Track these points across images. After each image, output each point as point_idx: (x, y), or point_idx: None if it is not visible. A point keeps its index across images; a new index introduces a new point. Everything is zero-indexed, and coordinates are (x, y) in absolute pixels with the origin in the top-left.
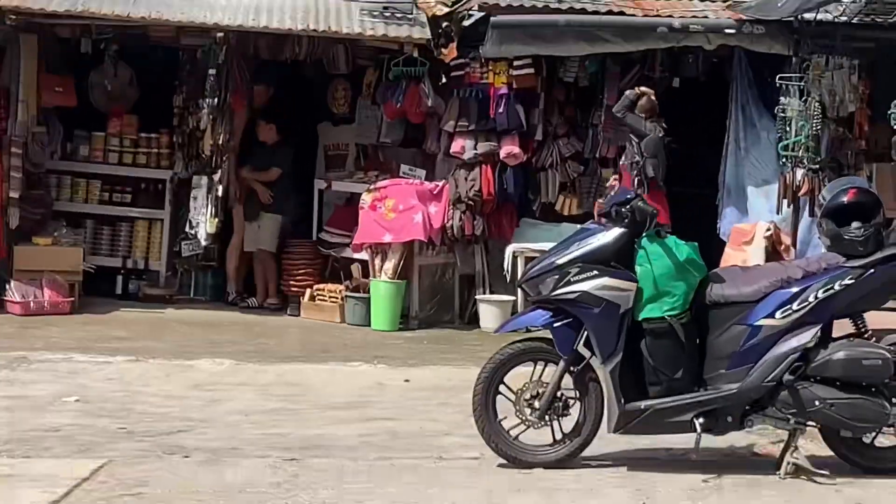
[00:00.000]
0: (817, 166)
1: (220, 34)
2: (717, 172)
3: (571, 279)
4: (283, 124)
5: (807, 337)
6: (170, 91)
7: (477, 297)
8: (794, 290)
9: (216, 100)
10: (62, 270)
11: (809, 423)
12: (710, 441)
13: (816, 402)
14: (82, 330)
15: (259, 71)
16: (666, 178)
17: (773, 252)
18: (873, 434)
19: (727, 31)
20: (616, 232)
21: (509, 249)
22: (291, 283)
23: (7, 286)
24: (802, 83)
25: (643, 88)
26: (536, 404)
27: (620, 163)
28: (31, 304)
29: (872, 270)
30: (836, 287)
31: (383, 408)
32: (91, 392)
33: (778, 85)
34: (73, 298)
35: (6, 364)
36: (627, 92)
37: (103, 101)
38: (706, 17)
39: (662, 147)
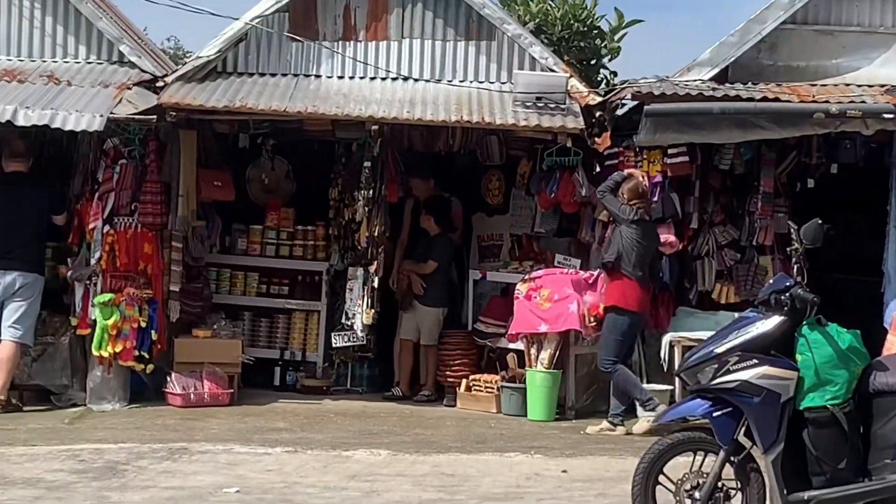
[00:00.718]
0: None
1: (374, 127)
2: (879, 259)
3: (731, 368)
4: (442, 216)
5: None
6: (325, 184)
7: None
8: None
9: (371, 191)
10: (221, 362)
11: None
12: None
13: None
14: (241, 421)
15: (416, 163)
16: (827, 265)
17: None
18: None
19: (885, 115)
20: (776, 320)
21: (666, 338)
22: (447, 373)
23: (168, 378)
24: None
25: (631, 171)
26: (697, 495)
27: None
28: (192, 395)
29: None
30: None
31: (540, 499)
32: (251, 483)
33: None
34: (232, 390)
35: (168, 455)
36: (615, 174)
37: (261, 194)
38: (864, 101)
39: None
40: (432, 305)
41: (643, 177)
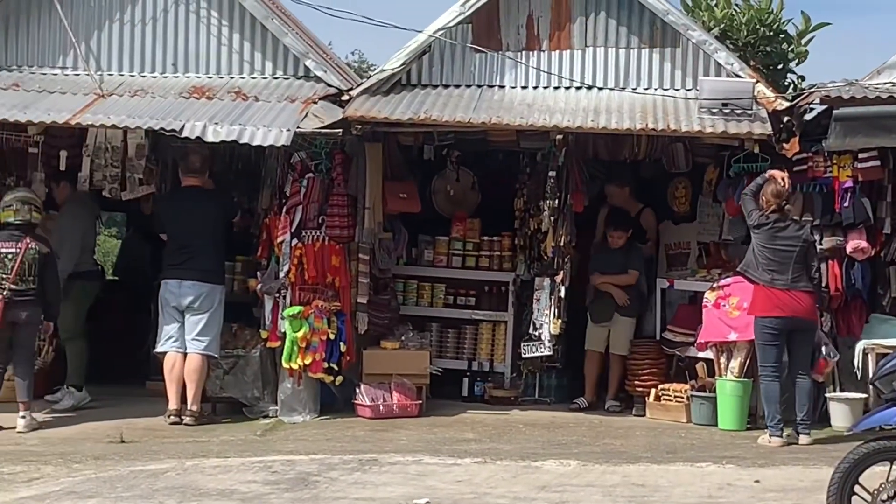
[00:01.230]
0: None
1: (559, 136)
2: None
3: None
4: (626, 226)
5: None
6: (510, 194)
7: (827, 395)
8: None
9: (556, 201)
10: (410, 374)
11: None
12: None
13: None
14: (430, 432)
15: (613, 170)
16: None
17: None
18: None
19: None
20: None
21: (859, 346)
22: (636, 382)
23: (357, 390)
24: None
25: (773, 173)
26: None
27: None
28: (381, 407)
29: None
30: None
31: None
32: (440, 494)
33: None
34: (420, 401)
35: (358, 466)
36: (758, 177)
37: (446, 205)
38: None
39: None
40: (629, 315)
41: (783, 179)
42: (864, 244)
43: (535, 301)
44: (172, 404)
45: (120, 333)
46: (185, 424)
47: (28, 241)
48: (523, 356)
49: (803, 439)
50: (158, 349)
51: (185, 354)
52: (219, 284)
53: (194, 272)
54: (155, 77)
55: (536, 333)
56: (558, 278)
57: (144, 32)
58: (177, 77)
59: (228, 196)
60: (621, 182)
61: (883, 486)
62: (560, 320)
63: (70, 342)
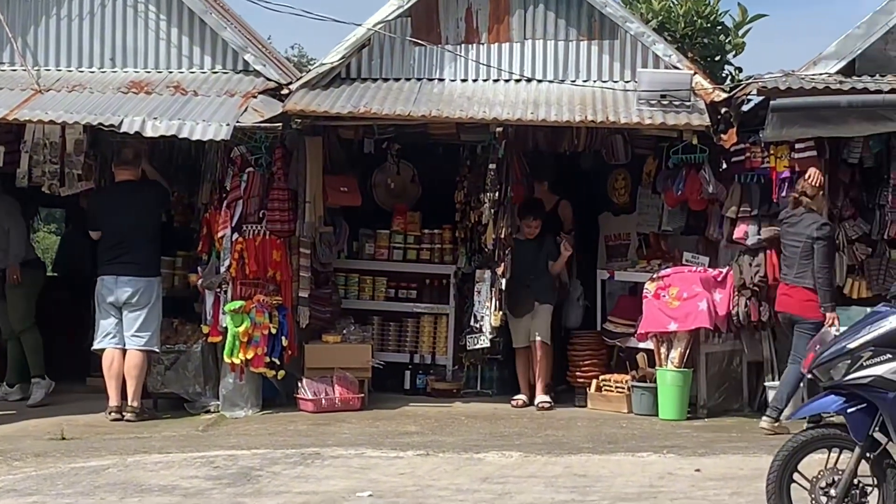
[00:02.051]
0: None
1: (499, 129)
2: None
3: (864, 363)
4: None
5: None
6: (451, 187)
7: (766, 383)
8: None
9: (497, 193)
10: (352, 367)
11: None
12: None
13: None
14: (372, 425)
15: (535, 165)
16: None
17: None
18: None
19: None
20: None
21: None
22: (577, 373)
23: (299, 384)
24: None
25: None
26: (833, 492)
27: None
28: (323, 400)
29: None
30: None
31: (674, 498)
32: (383, 487)
33: None
34: (362, 394)
35: (300, 460)
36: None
37: (387, 199)
38: None
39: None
40: (548, 302)
41: (810, 175)
42: None
43: (476, 293)
44: (113, 401)
45: (60, 330)
46: (127, 420)
47: None
48: (467, 348)
49: (763, 422)
50: (96, 346)
51: (123, 351)
52: (155, 277)
53: (130, 266)
54: (93, 72)
55: (478, 325)
56: (499, 270)
57: (82, 27)
58: (115, 72)
59: (160, 186)
60: (540, 178)
61: (822, 473)
62: (500, 312)
63: (25, 334)
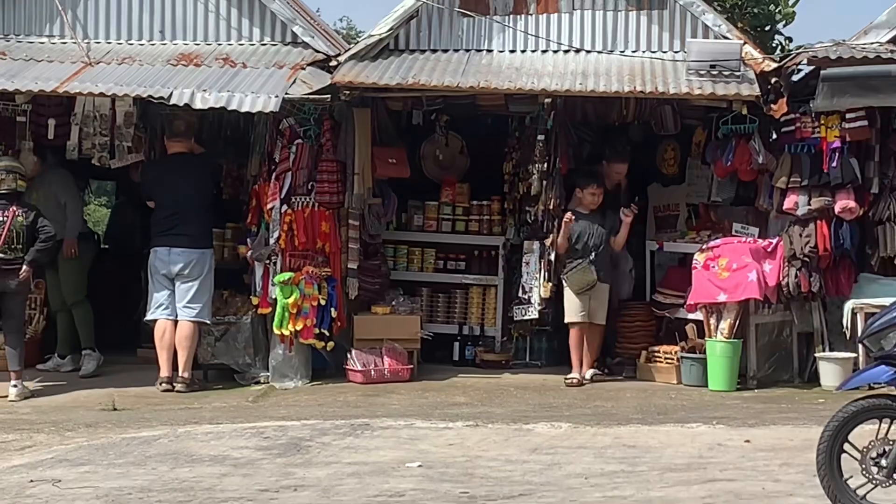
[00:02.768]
0: None
1: (547, 100)
2: None
3: None
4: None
5: None
6: (500, 158)
7: (816, 354)
8: None
9: (546, 165)
10: (401, 338)
11: None
12: None
13: None
14: (421, 396)
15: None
16: None
17: None
18: None
19: None
20: None
21: (848, 305)
22: (627, 344)
23: (349, 355)
24: None
25: None
26: (883, 462)
27: None
28: (372, 372)
29: None
30: None
31: (723, 469)
32: (432, 457)
33: None
34: (411, 366)
35: (350, 431)
36: None
37: (435, 170)
38: None
39: None
40: (607, 282)
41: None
42: (852, 204)
43: (524, 265)
44: (164, 371)
45: (111, 301)
46: (177, 391)
47: (15, 209)
48: (514, 319)
49: None
50: (148, 317)
51: (175, 322)
52: (208, 249)
53: (183, 238)
54: (142, 45)
55: (526, 297)
56: (548, 242)
57: (131, 0)
58: (164, 44)
59: (213, 160)
60: (623, 157)
61: (872, 443)
62: (550, 283)
63: (77, 306)
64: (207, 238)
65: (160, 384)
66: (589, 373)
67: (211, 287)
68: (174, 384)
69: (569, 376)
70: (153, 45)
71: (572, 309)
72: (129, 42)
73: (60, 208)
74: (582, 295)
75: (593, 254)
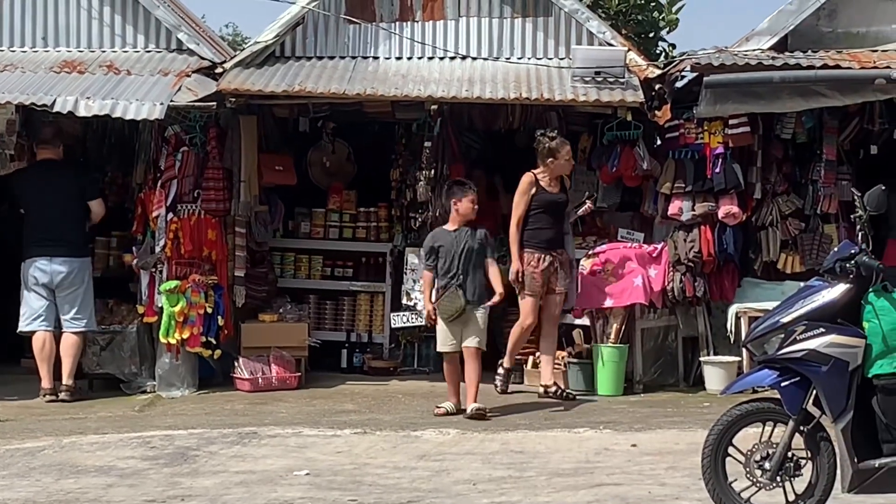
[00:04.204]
0: None
1: (434, 107)
2: None
3: (797, 337)
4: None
5: None
6: (386, 165)
7: (701, 358)
8: None
9: (433, 171)
10: (288, 346)
11: None
12: None
13: None
14: (310, 404)
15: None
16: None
17: None
18: None
19: None
20: (841, 288)
21: (732, 309)
22: None
23: (235, 363)
24: None
25: None
26: (767, 465)
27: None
28: (260, 380)
29: None
30: None
31: (610, 473)
32: (321, 465)
33: None
34: (299, 373)
35: (237, 439)
36: None
37: (322, 177)
38: None
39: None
40: (483, 303)
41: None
42: (735, 209)
43: (409, 271)
44: (45, 383)
45: None
46: (62, 400)
47: None
48: (394, 326)
49: None
50: (24, 328)
51: (53, 333)
52: (87, 258)
53: (63, 248)
54: (25, 51)
55: (411, 303)
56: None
57: (13, 6)
58: (47, 51)
59: (80, 164)
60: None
61: (756, 446)
62: None
63: None
64: (86, 246)
65: (44, 396)
66: (471, 407)
67: (92, 296)
68: (58, 394)
69: (441, 405)
70: (35, 51)
71: (441, 338)
72: (11, 49)
73: None
74: (452, 323)
75: (461, 276)
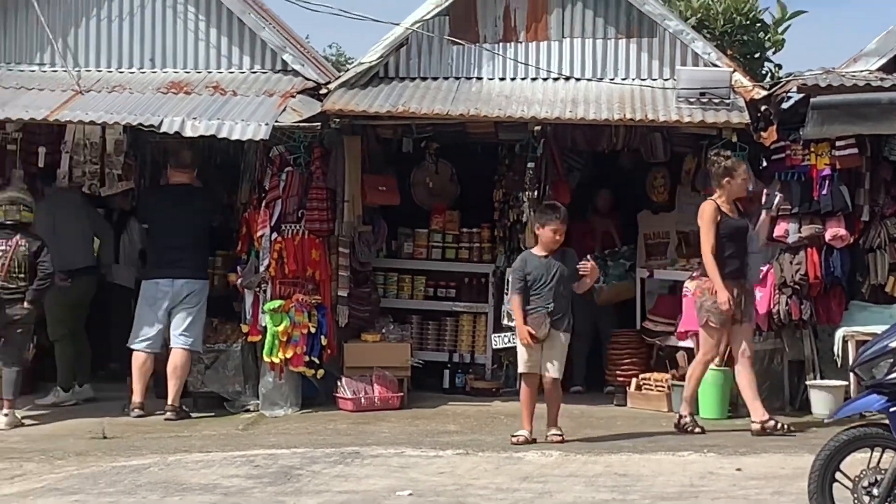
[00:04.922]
0: None
1: (537, 127)
2: None
3: None
4: None
5: None
6: (490, 186)
7: (807, 382)
8: None
9: (536, 192)
10: (391, 366)
11: None
12: None
13: None
14: (412, 424)
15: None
16: None
17: None
18: None
19: None
20: None
21: (839, 333)
22: (618, 372)
23: (339, 383)
24: None
25: None
26: (875, 492)
27: None
28: (362, 399)
29: None
30: None
31: (715, 498)
32: (423, 486)
33: None
34: (402, 393)
35: (340, 459)
36: None
37: (426, 198)
38: None
39: None
40: (567, 329)
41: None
42: (842, 232)
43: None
44: (137, 397)
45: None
46: (167, 419)
47: (18, 239)
48: (495, 347)
49: None
50: (134, 346)
51: (154, 356)
52: (206, 280)
53: (187, 270)
54: (132, 73)
55: (512, 324)
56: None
57: (122, 28)
58: (154, 72)
59: (212, 192)
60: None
61: (864, 472)
62: None
63: (59, 342)
64: (206, 269)
65: (133, 409)
66: (551, 432)
67: (204, 318)
68: (144, 409)
69: (517, 433)
70: (143, 73)
71: (521, 359)
72: (120, 70)
73: (78, 238)
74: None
75: (551, 304)
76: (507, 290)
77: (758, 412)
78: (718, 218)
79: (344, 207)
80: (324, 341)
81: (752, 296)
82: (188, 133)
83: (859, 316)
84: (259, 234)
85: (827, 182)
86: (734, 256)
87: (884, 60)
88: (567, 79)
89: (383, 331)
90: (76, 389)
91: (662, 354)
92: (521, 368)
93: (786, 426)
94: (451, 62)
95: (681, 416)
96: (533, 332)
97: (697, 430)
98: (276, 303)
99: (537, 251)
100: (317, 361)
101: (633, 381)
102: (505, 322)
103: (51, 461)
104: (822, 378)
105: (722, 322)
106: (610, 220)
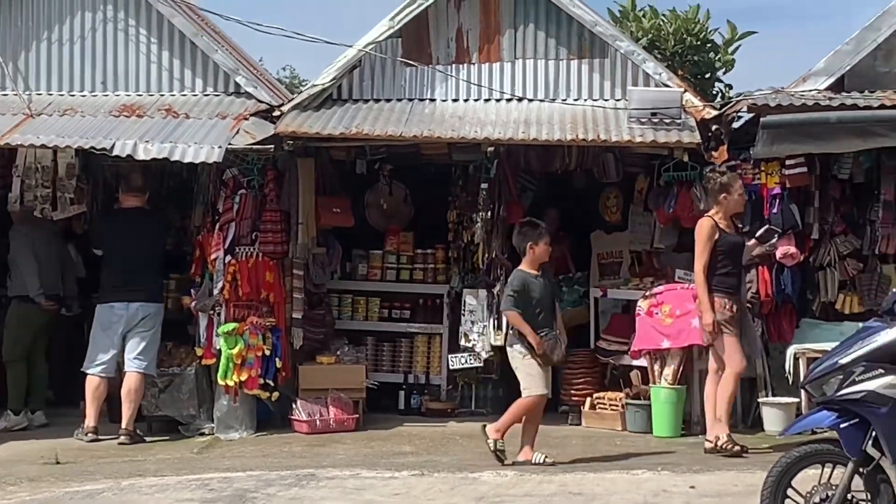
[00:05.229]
0: None
1: (490, 148)
2: None
3: (856, 378)
4: None
5: None
6: (443, 207)
7: (759, 399)
8: None
9: (489, 213)
10: (346, 388)
11: None
12: None
13: None
14: (367, 446)
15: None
16: None
17: None
18: None
19: None
20: None
21: (790, 350)
22: (571, 391)
23: (293, 405)
24: None
25: None
26: None
27: None
28: (318, 422)
29: None
30: None
31: None
32: None
33: None
34: (357, 415)
35: (296, 482)
36: None
37: (379, 219)
38: None
39: None
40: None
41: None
42: (793, 250)
43: (468, 313)
44: (91, 421)
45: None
46: (121, 444)
47: None
48: (452, 368)
49: None
50: (89, 371)
51: (108, 380)
52: (161, 303)
53: (142, 293)
54: (84, 96)
55: (471, 345)
56: (495, 290)
57: (73, 51)
58: (106, 95)
59: (164, 214)
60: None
61: (815, 488)
62: (503, 332)
63: (9, 366)
64: (161, 292)
65: (85, 434)
66: (538, 457)
67: (159, 341)
68: (98, 435)
69: (539, 456)
70: (95, 96)
71: (538, 381)
72: (71, 93)
73: (38, 261)
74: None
75: (554, 325)
76: (463, 311)
77: (714, 430)
78: (716, 235)
79: (298, 230)
80: (278, 364)
81: (747, 312)
82: (140, 156)
83: (810, 333)
84: (213, 256)
85: (777, 201)
86: (732, 273)
87: (832, 80)
88: (520, 100)
89: (338, 353)
90: (29, 416)
91: (616, 373)
92: (539, 390)
93: (737, 447)
94: (404, 84)
95: (717, 438)
96: (549, 353)
97: (737, 447)
98: (231, 325)
99: (530, 270)
100: (271, 384)
101: (588, 400)
102: (462, 343)
103: (2, 487)
104: (773, 395)
105: (734, 331)
106: (563, 245)
